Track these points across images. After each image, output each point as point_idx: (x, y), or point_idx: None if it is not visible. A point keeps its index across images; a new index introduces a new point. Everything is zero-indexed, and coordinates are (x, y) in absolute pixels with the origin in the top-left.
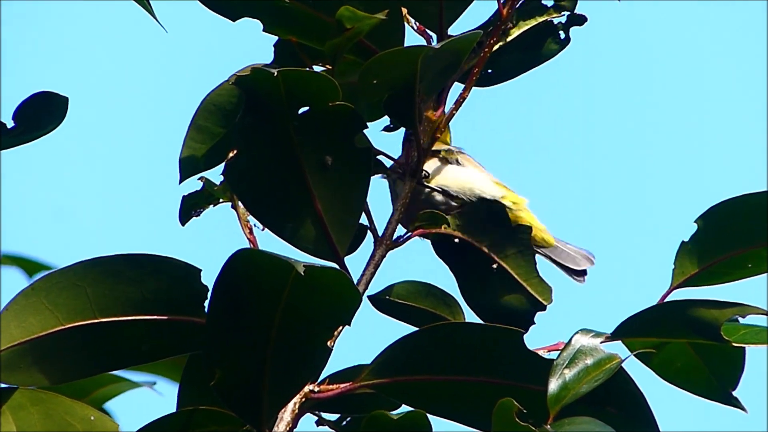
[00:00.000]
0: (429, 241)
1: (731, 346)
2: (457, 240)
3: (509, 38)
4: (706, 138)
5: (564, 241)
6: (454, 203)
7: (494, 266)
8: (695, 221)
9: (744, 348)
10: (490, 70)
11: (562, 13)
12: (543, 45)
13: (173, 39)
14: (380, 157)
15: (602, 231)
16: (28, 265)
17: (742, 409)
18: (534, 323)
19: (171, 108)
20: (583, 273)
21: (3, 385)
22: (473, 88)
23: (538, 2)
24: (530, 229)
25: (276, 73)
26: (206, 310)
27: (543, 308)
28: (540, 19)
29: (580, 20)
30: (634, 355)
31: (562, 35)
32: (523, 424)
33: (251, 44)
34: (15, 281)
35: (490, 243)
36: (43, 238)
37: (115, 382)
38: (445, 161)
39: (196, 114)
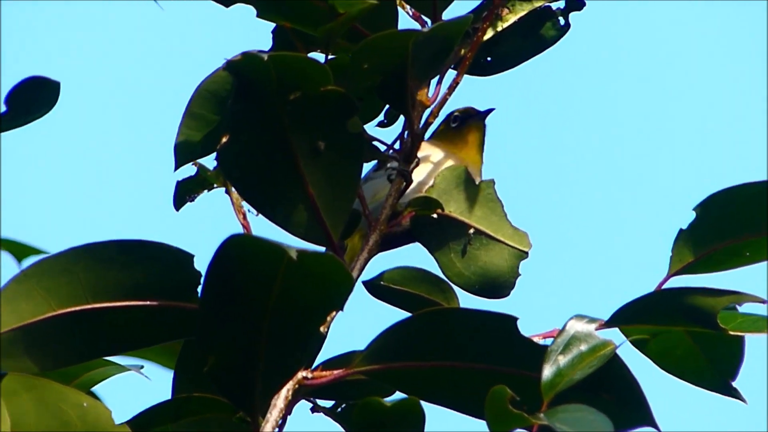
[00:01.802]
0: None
1: (728, 334)
2: (435, 215)
3: (505, 24)
4: (707, 126)
5: None
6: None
7: (470, 231)
8: (693, 209)
9: (743, 337)
10: (489, 59)
11: None
12: (542, 31)
13: (172, 27)
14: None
15: (601, 218)
16: (19, 249)
17: (742, 400)
18: (520, 274)
19: (168, 96)
20: None
21: None
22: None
23: None
24: (493, 181)
25: (266, 58)
26: (199, 295)
27: (525, 255)
28: (537, 4)
29: (579, 5)
30: (632, 344)
31: (562, 21)
32: (516, 412)
33: (253, 34)
34: (5, 266)
35: (461, 210)
36: (36, 223)
37: (102, 366)
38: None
39: (190, 101)
